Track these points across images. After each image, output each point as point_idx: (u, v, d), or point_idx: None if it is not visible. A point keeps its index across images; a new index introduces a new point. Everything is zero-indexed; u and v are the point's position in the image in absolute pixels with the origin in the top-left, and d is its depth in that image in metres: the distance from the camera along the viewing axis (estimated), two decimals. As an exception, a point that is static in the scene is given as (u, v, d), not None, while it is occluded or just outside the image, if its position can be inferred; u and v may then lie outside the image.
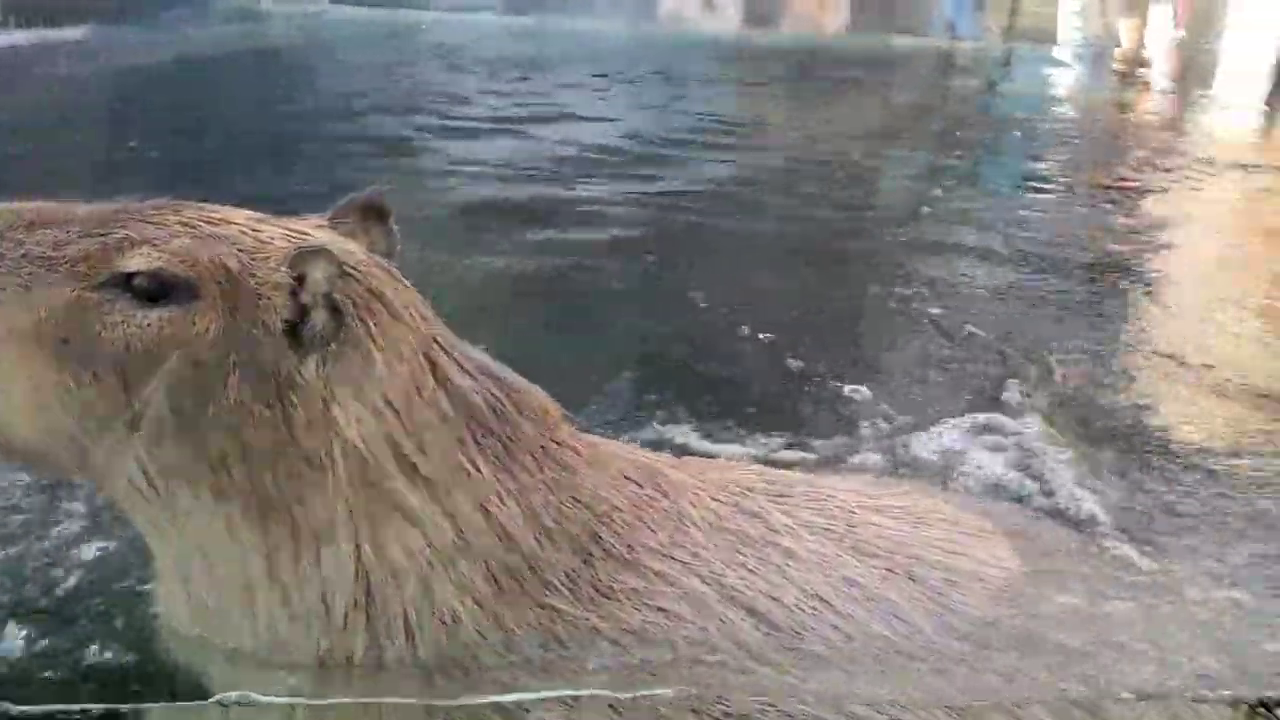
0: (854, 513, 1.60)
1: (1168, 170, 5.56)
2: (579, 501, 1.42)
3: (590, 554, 1.39)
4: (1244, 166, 5.94)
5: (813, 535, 1.53)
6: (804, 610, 1.44)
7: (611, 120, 6.21)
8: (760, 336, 2.65)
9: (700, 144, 5.60)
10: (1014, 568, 1.56)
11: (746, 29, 11.94)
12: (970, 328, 2.77)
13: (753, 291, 3.11)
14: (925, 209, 4.26)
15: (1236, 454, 2.05)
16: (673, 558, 1.43)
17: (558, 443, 1.45)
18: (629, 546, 1.41)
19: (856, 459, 1.98)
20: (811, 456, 2.00)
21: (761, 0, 12.42)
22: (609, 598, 1.38)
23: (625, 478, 1.47)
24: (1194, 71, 10.80)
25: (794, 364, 2.47)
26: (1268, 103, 9.26)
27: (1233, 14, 12.16)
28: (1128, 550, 1.69)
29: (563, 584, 1.37)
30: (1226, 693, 1.38)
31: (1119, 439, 2.13)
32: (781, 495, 1.58)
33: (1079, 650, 1.43)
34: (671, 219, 3.97)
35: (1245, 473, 1.99)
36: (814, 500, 1.60)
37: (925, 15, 12.28)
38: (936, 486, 1.87)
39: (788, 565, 1.47)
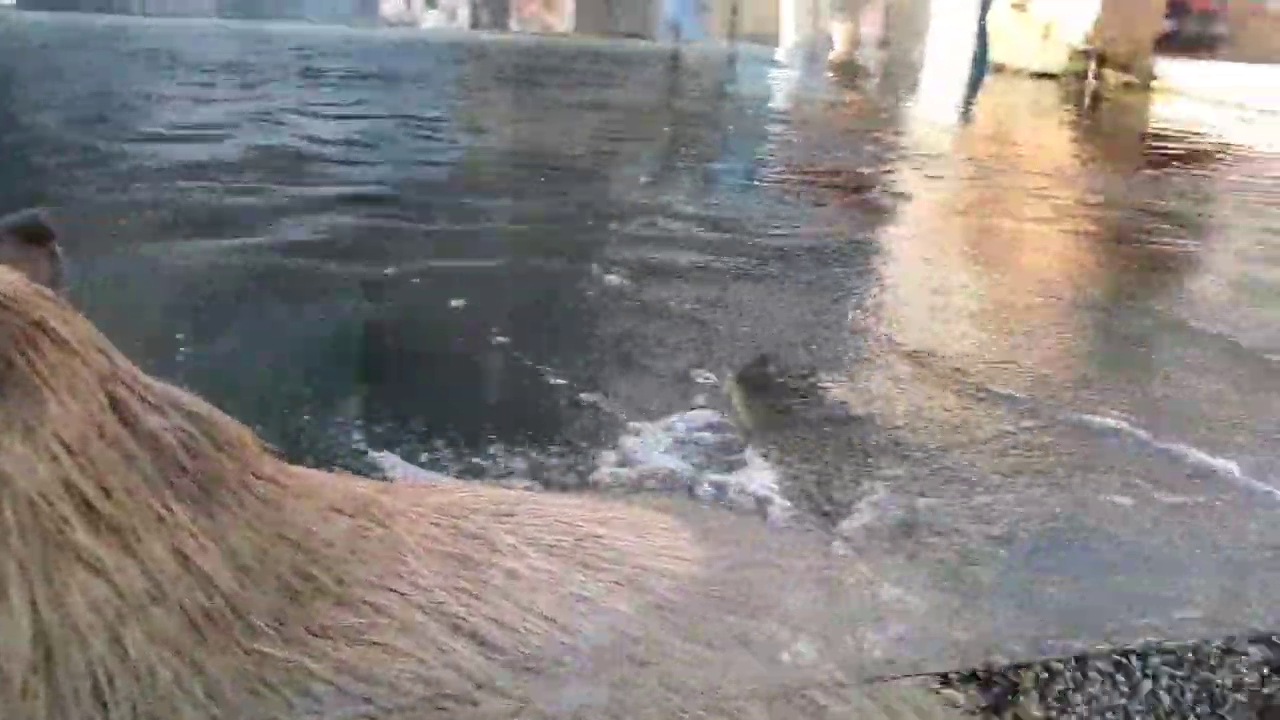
0: (580, 526, 1.58)
1: (881, 163, 5.93)
2: (285, 538, 1.33)
3: (299, 592, 1.31)
4: (944, 157, 6.42)
5: (538, 553, 1.50)
6: (531, 631, 1.41)
7: (324, 119, 6.07)
8: (481, 339, 2.63)
9: (414, 144, 5.53)
10: (736, 568, 1.59)
11: (473, 31, 11.89)
12: (702, 321, 2.84)
13: (470, 292, 3.07)
14: (651, 206, 4.34)
15: (945, 447, 2.17)
16: (390, 589, 1.37)
17: (259, 477, 1.36)
18: (341, 581, 1.34)
19: (585, 464, 1.98)
20: (539, 467, 1.98)
21: (488, 2, 12.38)
22: (321, 637, 1.31)
23: (335, 509, 1.40)
24: (902, 72, 11.55)
25: (522, 367, 2.44)
26: (965, 101, 10.02)
27: (935, 20, 13.03)
28: (838, 545, 1.75)
29: (270, 626, 1.29)
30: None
31: (835, 428, 2.21)
32: (505, 514, 1.55)
33: (784, 642, 1.47)
34: (378, 221, 3.88)
35: (951, 462, 2.11)
36: (539, 517, 1.57)
37: (651, 18, 12.57)
38: (661, 493, 1.89)
39: (513, 587, 1.44)
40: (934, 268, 3.76)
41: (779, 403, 2.36)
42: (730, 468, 1.95)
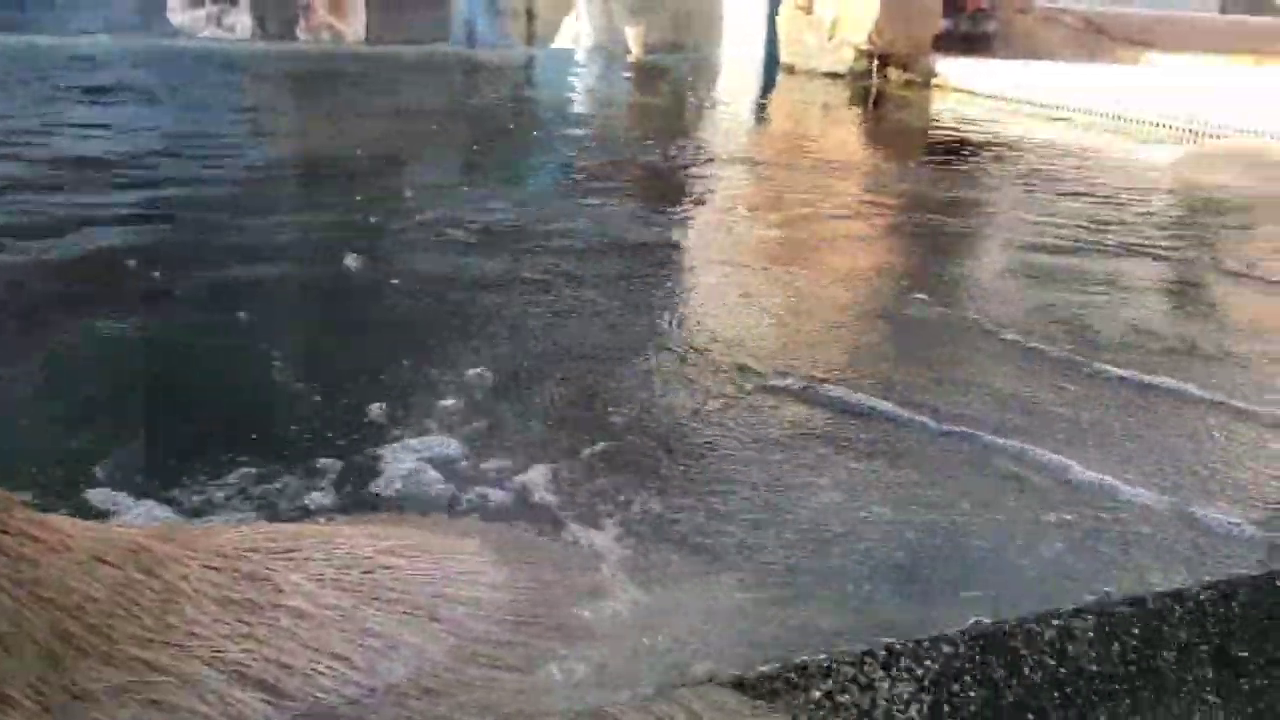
0: (370, 557, 1.54)
1: (684, 165, 6.01)
2: (41, 598, 1.24)
3: (59, 656, 1.22)
4: (744, 160, 6.56)
5: (326, 589, 1.45)
6: (321, 673, 1.35)
7: (97, 136, 5.77)
8: (260, 357, 2.53)
9: (199, 156, 5.31)
10: (531, 589, 1.57)
11: (259, 41, 11.52)
12: (490, 326, 2.81)
13: (249, 306, 2.96)
14: (444, 211, 4.29)
15: (728, 446, 2.20)
16: (164, 642, 1.29)
17: (8, 532, 1.26)
18: (108, 639, 1.26)
19: (366, 486, 1.92)
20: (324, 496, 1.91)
21: (276, 12, 12.00)
22: (87, 700, 1.22)
23: (99, 560, 1.31)
24: (696, 74, 11.75)
25: (303, 385, 2.36)
26: (759, 102, 10.27)
27: (726, 23, 13.32)
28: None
29: (27, 696, 1.20)
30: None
31: (619, 432, 2.22)
32: (288, 551, 1.49)
33: (590, 659, 1.46)
34: (153, 237, 3.72)
35: (739, 460, 2.14)
36: (326, 550, 1.52)
37: (445, 24, 12.44)
38: (448, 512, 1.85)
39: (300, 627, 1.38)
40: (732, 265, 3.83)
41: (561, 409, 2.35)
42: (511, 480, 1.93)
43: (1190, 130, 7.95)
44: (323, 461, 1.98)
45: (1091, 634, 1.59)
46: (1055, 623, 1.59)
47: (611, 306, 3.16)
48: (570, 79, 10.72)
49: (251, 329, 2.80)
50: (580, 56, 12.38)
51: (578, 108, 8.78)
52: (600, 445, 2.13)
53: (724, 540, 1.81)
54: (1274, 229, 5.14)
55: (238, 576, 1.40)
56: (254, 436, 2.10)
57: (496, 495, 1.87)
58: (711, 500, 1.94)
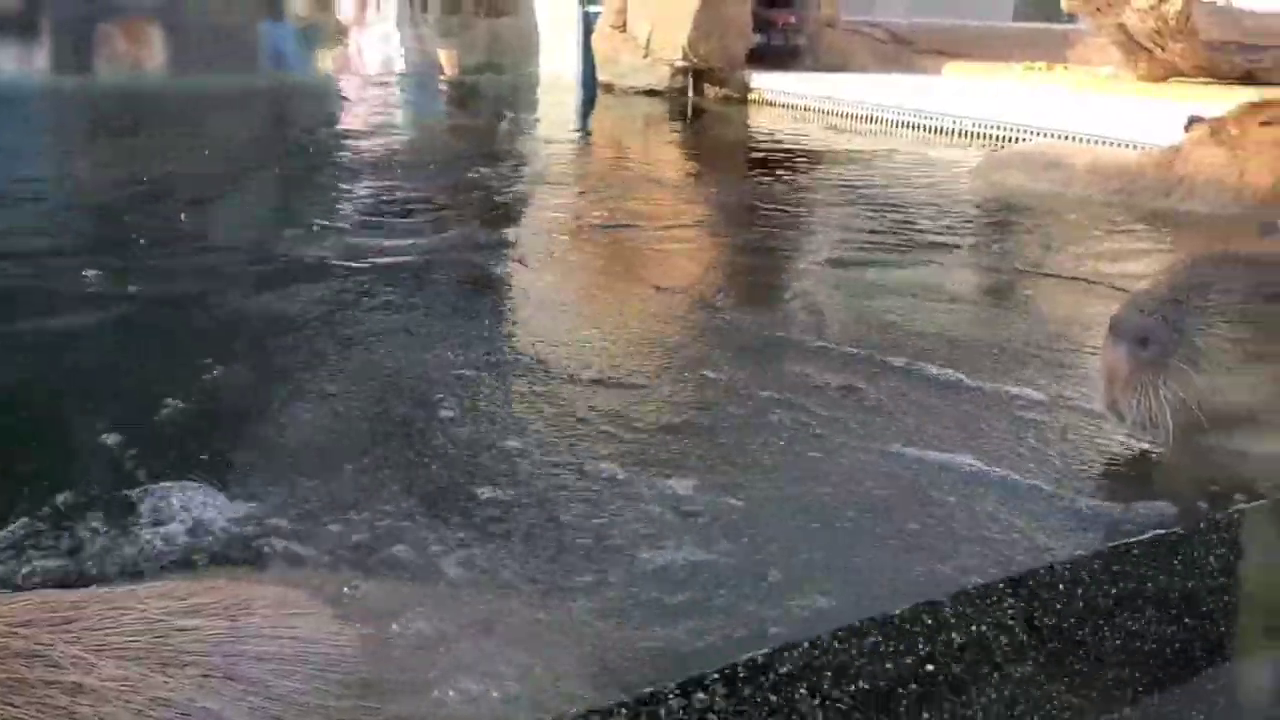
0: (162, 620, 1.44)
1: (504, 187, 5.97)
2: None
3: None
4: (566, 180, 6.56)
5: (108, 660, 1.35)
6: (104, 753, 1.26)
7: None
8: (50, 408, 2.38)
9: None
10: (340, 640, 1.50)
11: (55, 75, 10.96)
12: (299, 359, 2.71)
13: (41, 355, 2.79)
14: (268, 245, 4.15)
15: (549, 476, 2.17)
16: (-82, 738, 1.18)
17: None
18: None
19: (160, 543, 1.81)
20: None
21: (72, 43, 11.44)
22: None
23: None
24: (515, 95, 11.70)
25: (89, 437, 2.22)
26: (579, 121, 10.31)
27: (542, 43, 13.32)
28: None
29: None
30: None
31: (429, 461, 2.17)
32: (66, 621, 1.38)
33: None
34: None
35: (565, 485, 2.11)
36: (111, 617, 1.41)
37: (253, 53, 12.09)
38: (255, 569, 1.76)
39: (79, 704, 1.28)
40: (556, 281, 3.81)
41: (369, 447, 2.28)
42: (315, 525, 1.85)
43: (989, 134, 8.33)
44: (100, 516, 1.87)
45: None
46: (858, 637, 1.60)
47: (433, 331, 3.10)
48: (385, 104, 10.54)
49: (45, 375, 2.64)
50: (394, 81, 12.19)
51: (395, 133, 8.63)
52: (397, 485, 2.06)
53: (547, 576, 1.77)
54: (1065, 227, 5.42)
55: (6, 654, 1.29)
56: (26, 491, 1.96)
57: (295, 544, 1.79)
58: (538, 542, 1.90)
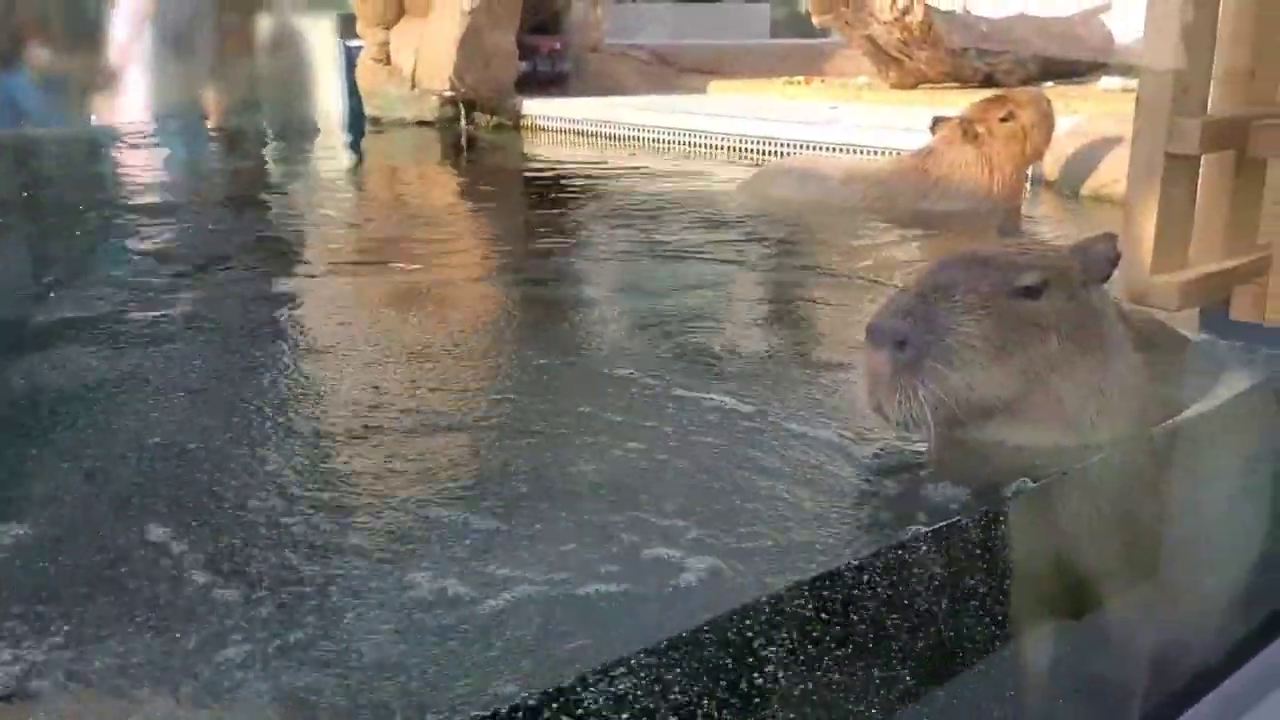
0: None
1: (282, 232, 5.75)
2: None
3: None
4: (344, 221, 6.36)
5: None
6: None
7: None
8: None
9: None
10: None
11: None
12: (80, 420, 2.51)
13: None
14: (44, 300, 3.85)
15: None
16: None
17: None
18: None
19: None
20: None
21: None
22: None
23: None
24: (284, 136, 11.32)
25: None
26: (350, 159, 10.05)
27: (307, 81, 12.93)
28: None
29: None
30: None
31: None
32: None
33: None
34: None
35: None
36: None
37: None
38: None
39: None
40: (344, 328, 3.66)
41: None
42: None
43: (754, 149, 8.57)
44: None
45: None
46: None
47: (220, 394, 2.93)
48: (145, 150, 10.03)
49: None
50: (154, 126, 11.61)
51: (159, 181, 8.18)
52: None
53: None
54: (830, 234, 5.62)
55: None
56: None
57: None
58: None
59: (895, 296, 2.07)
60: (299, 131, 11.57)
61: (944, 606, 1.96)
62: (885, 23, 10.04)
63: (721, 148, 8.89)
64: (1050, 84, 10.07)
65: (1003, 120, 5.93)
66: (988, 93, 8.10)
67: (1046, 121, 5.97)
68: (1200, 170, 2.45)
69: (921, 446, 2.14)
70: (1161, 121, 2.27)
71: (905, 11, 9.94)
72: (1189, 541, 2.45)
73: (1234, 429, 2.52)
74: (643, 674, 1.50)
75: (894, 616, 1.88)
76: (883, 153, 7.44)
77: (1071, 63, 10.51)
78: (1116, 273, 2.24)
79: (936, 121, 6.20)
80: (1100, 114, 7.01)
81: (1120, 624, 2.33)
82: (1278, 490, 2.72)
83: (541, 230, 5.88)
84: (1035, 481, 1.95)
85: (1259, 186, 2.54)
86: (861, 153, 7.64)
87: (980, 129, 5.94)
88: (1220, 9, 2.37)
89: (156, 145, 10.64)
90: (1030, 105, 5.96)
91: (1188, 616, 2.56)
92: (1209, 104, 2.43)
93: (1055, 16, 10.81)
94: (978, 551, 1.98)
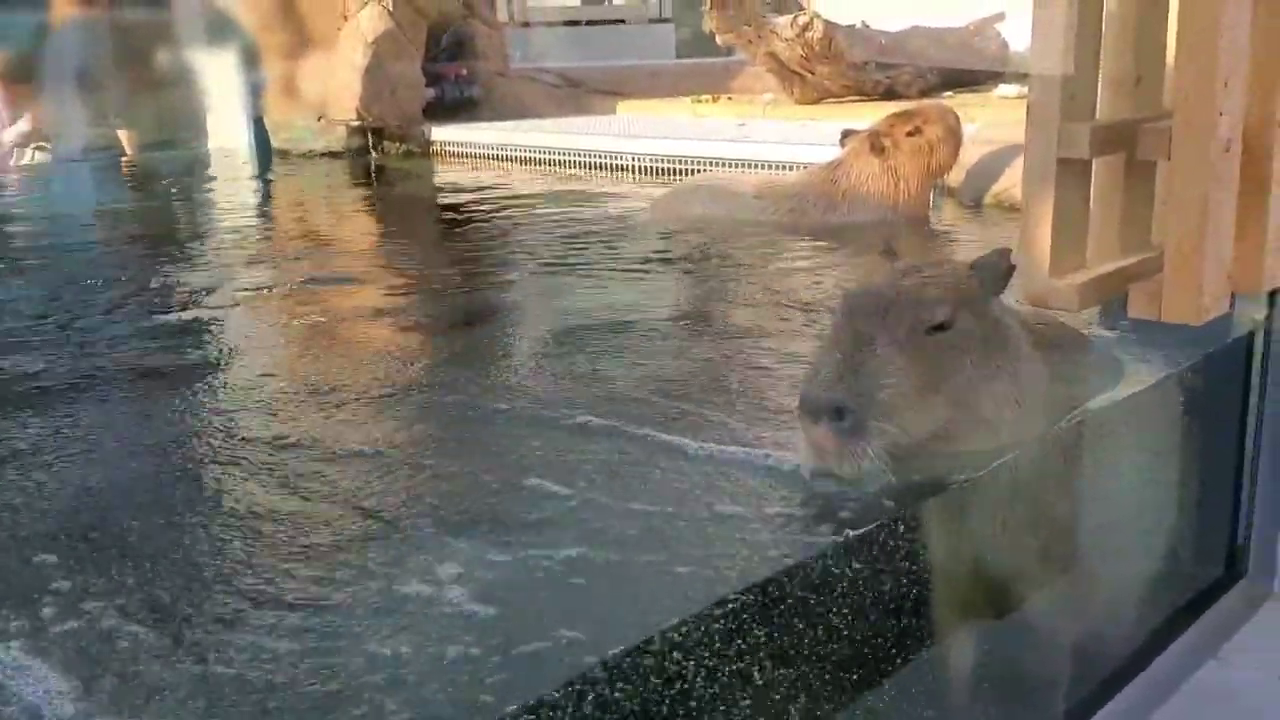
0: None
1: (193, 266, 5.64)
2: None
3: None
4: (258, 256, 6.26)
5: None
6: None
7: None
8: None
9: None
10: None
11: None
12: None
13: None
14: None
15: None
16: None
17: None
18: None
19: None
20: None
21: None
22: None
23: None
24: (195, 171, 11.12)
25: None
26: (260, 192, 9.91)
27: (212, 116, 12.73)
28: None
29: None
30: None
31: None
32: None
33: None
34: None
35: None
36: None
37: None
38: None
39: None
40: (267, 364, 3.61)
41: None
42: None
43: (665, 168, 8.63)
44: None
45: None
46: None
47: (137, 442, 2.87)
48: (54, 189, 9.79)
49: None
50: (61, 163, 11.31)
51: (70, 221, 7.96)
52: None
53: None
54: (744, 251, 5.67)
55: None
56: None
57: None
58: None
59: (817, 360, 2.10)
60: (209, 166, 11.39)
61: (858, 616, 1.99)
62: (787, 40, 10.19)
63: (633, 167, 8.94)
64: (950, 94, 10.29)
65: (909, 134, 6.03)
66: (893, 105, 8.25)
67: (953, 136, 6.09)
68: (1092, 174, 2.52)
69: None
70: (1052, 128, 2.34)
71: (805, 28, 10.09)
72: (1095, 534, 2.51)
73: (1131, 422, 2.60)
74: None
75: (813, 625, 1.90)
76: (792, 167, 7.54)
77: (969, 72, 10.75)
78: (1016, 278, 2.30)
79: (846, 135, 6.30)
80: (998, 122, 7.18)
81: (1034, 621, 2.38)
82: (1175, 480, 2.81)
83: (452, 257, 5.86)
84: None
85: (1150, 187, 2.62)
86: (772, 168, 7.74)
87: (886, 142, 6.04)
88: (1104, 17, 2.45)
89: (63, 181, 10.40)
90: (937, 121, 6.07)
91: (1099, 610, 2.63)
92: (1097, 109, 2.51)
93: (951, 27, 11.05)
94: (886, 561, 2.01)
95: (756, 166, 7.85)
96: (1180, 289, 2.41)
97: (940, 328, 2.06)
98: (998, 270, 2.21)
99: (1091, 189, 2.53)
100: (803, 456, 2.10)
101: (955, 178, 6.72)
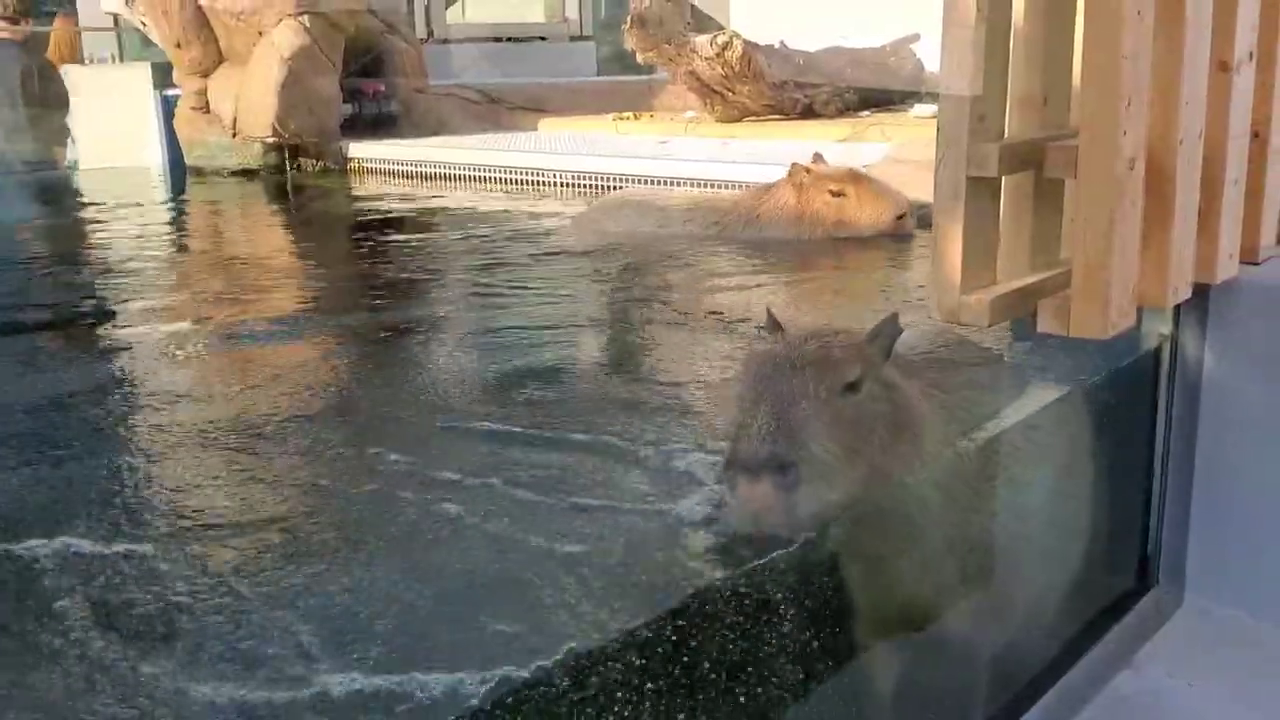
0: None
1: (103, 293, 5.48)
2: None
3: None
4: (172, 278, 6.11)
5: None
6: None
7: None
8: None
9: None
10: None
11: None
12: None
13: None
14: None
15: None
16: None
17: None
18: None
19: None
20: None
21: None
22: None
23: None
24: (100, 189, 10.85)
25: None
26: (172, 211, 9.70)
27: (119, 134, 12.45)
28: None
29: None
30: None
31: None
32: None
33: None
34: None
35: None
36: None
37: None
38: None
39: None
40: (169, 414, 3.50)
41: None
42: None
43: (587, 184, 8.63)
44: None
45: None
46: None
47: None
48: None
49: None
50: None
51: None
52: None
53: None
54: (668, 265, 5.69)
55: None
56: None
57: None
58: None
59: (740, 420, 2.08)
60: (117, 184, 11.12)
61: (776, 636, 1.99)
62: (707, 58, 10.25)
63: (556, 184, 8.92)
64: (867, 113, 10.45)
65: (832, 193, 6.16)
66: (811, 124, 8.33)
67: (872, 216, 6.14)
68: (1002, 192, 2.56)
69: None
70: (962, 147, 2.37)
71: (725, 48, 10.17)
72: (1008, 548, 2.54)
73: (1039, 438, 2.64)
74: None
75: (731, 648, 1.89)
76: (713, 185, 7.59)
77: (886, 92, 10.92)
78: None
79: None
80: (913, 140, 7.30)
81: (951, 635, 2.40)
82: (1086, 493, 2.86)
83: (370, 277, 5.79)
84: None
85: (1058, 205, 2.66)
86: (693, 185, 7.78)
87: (806, 181, 6.17)
88: (1012, 39, 2.49)
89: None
90: (868, 201, 6.15)
91: (1014, 623, 2.65)
92: (1006, 129, 2.54)
93: (868, 48, 11.21)
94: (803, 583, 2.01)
95: (678, 184, 7.88)
96: (1088, 304, 2.45)
97: (852, 389, 2.08)
98: (889, 337, 2.23)
99: (1001, 207, 2.57)
100: (734, 518, 2.04)
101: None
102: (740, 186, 7.33)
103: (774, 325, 2.29)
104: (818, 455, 1.98)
